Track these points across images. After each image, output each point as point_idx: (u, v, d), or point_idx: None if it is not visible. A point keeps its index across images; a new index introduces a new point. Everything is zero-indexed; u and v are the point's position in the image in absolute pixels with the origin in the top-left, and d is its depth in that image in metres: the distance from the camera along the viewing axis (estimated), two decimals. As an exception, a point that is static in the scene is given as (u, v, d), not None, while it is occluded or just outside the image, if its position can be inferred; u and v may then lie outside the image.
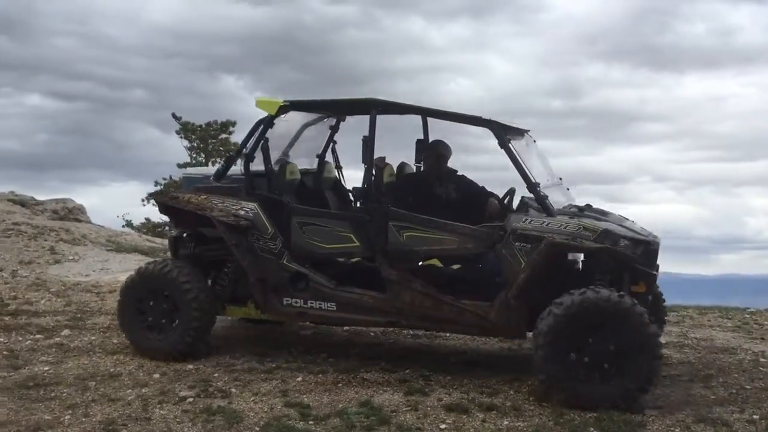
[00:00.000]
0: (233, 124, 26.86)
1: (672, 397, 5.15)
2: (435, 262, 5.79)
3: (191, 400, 4.88)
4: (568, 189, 6.06)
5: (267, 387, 5.21)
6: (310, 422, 4.53)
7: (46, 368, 5.55)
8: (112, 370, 5.56)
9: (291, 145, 6.64)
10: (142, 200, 26.66)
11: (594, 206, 5.77)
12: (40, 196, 14.21)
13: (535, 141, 6.18)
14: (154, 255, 11.12)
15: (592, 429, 4.47)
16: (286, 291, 5.73)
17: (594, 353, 4.79)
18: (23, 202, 13.50)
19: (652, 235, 5.45)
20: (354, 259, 5.92)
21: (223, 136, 26.88)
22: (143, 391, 5.07)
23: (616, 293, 4.80)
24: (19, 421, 4.46)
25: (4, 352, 5.93)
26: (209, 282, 6.08)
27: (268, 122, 5.87)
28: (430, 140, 6.58)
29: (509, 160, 5.31)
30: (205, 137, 26.58)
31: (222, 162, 5.99)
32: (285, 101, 5.87)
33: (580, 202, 5.80)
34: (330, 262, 5.89)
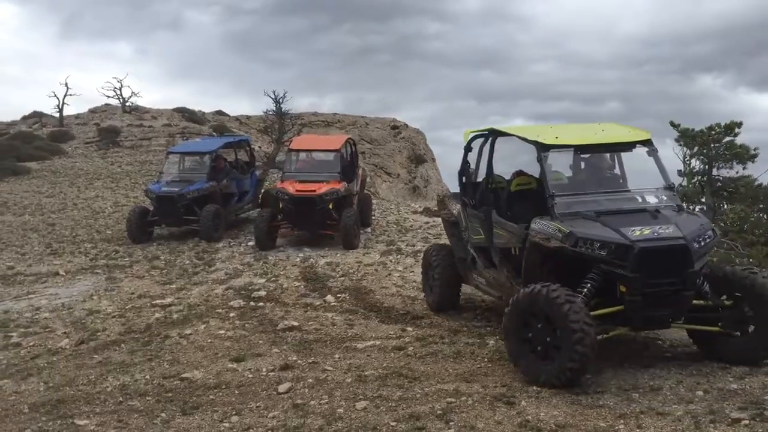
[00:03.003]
0: (738, 125, 23.68)
1: None
2: None
3: (746, 422, 4.62)
4: (675, 194, 6.56)
5: (833, 417, 4.62)
6: None
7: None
8: (651, 383, 5.62)
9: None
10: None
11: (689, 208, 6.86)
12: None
13: (656, 150, 6.76)
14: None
15: None
16: (472, 268, 7.85)
17: (537, 337, 5.72)
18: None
19: (667, 239, 5.64)
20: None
21: (727, 138, 23.80)
22: (690, 407, 4.99)
23: (551, 289, 5.59)
24: (578, 425, 4.81)
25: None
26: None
27: (466, 148, 7.97)
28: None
29: (540, 170, 6.56)
30: (708, 142, 23.90)
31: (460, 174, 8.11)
32: (473, 131, 7.84)
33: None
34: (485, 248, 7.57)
